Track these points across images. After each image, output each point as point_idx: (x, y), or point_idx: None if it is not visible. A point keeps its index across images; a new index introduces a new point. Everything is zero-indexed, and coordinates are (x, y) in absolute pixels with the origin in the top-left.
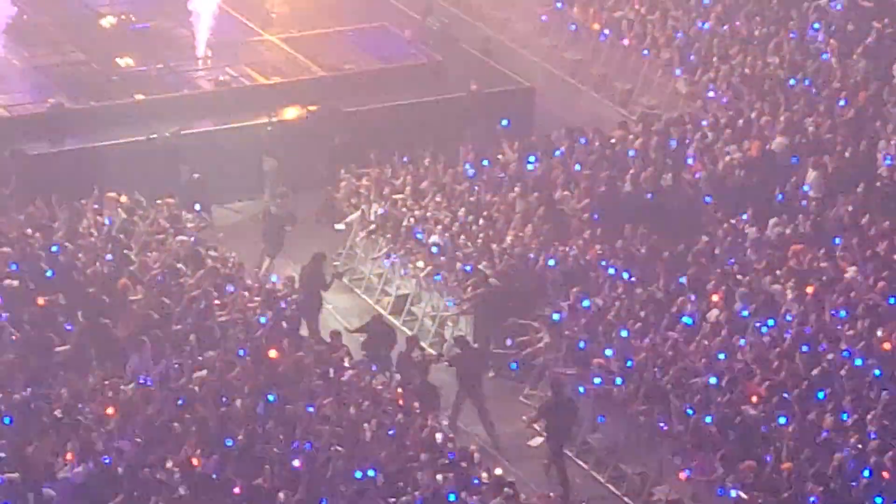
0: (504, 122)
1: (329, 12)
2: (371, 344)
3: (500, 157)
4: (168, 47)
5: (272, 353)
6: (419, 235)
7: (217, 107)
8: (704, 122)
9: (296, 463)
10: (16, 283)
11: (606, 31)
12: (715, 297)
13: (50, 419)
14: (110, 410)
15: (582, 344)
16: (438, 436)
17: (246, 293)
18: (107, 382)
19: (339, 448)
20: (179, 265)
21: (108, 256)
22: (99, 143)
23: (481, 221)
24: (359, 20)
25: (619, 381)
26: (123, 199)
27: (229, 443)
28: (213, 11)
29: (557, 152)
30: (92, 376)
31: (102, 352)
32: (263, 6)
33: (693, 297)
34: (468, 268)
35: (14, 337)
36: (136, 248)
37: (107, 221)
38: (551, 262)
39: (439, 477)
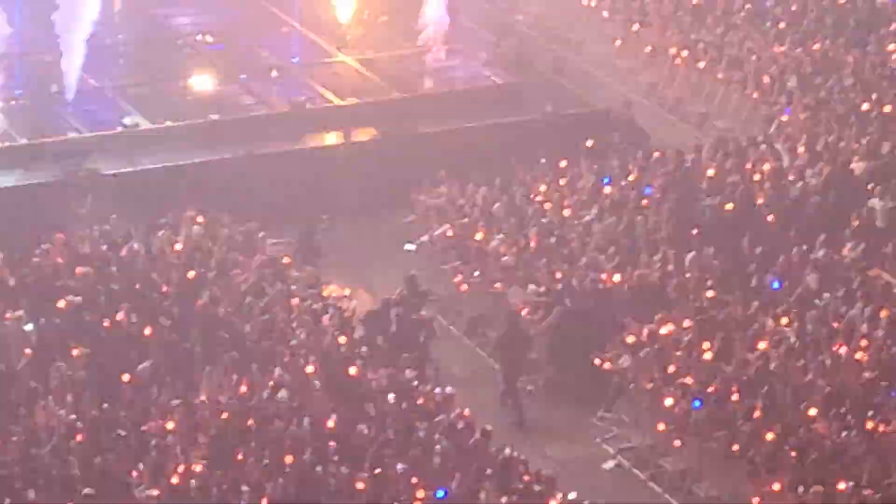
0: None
1: (404, 34)
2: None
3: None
4: (244, 68)
5: (352, 371)
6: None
7: (292, 127)
8: (779, 145)
9: (360, 486)
10: (78, 299)
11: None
12: (784, 320)
13: (124, 436)
14: (171, 425)
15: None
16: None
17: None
18: (179, 400)
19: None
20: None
21: (188, 274)
22: (175, 162)
23: (553, 241)
24: (434, 42)
25: (696, 403)
26: (200, 218)
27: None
28: (290, 32)
29: (631, 176)
30: (166, 394)
31: (178, 369)
32: (339, 28)
33: (770, 320)
34: (541, 289)
35: (87, 353)
36: (214, 267)
37: (184, 239)
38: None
39: (504, 500)
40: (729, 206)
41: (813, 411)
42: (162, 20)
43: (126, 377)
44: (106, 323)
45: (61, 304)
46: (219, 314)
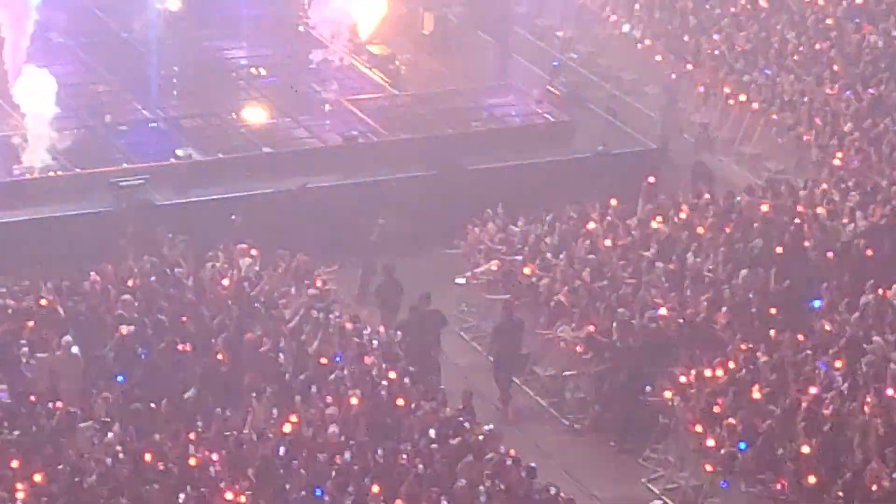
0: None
1: (457, 70)
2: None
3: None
4: (297, 101)
5: (400, 402)
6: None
7: (344, 161)
8: (831, 188)
9: None
10: (130, 327)
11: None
12: (839, 364)
13: (169, 467)
14: (216, 457)
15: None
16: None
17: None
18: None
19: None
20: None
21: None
22: (227, 194)
23: (605, 282)
24: (487, 78)
25: (742, 445)
26: (254, 251)
27: (318, 493)
28: (342, 66)
29: (683, 214)
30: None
31: (223, 401)
32: (392, 62)
33: (822, 364)
34: (591, 327)
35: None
36: (263, 300)
37: (234, 272)
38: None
39: None
40: (779, 248)
41: (865, 453)
42: (216, 53)
43: (171, 407)
44: (154, 352)
45: (116, 331)
46: (264, 347)
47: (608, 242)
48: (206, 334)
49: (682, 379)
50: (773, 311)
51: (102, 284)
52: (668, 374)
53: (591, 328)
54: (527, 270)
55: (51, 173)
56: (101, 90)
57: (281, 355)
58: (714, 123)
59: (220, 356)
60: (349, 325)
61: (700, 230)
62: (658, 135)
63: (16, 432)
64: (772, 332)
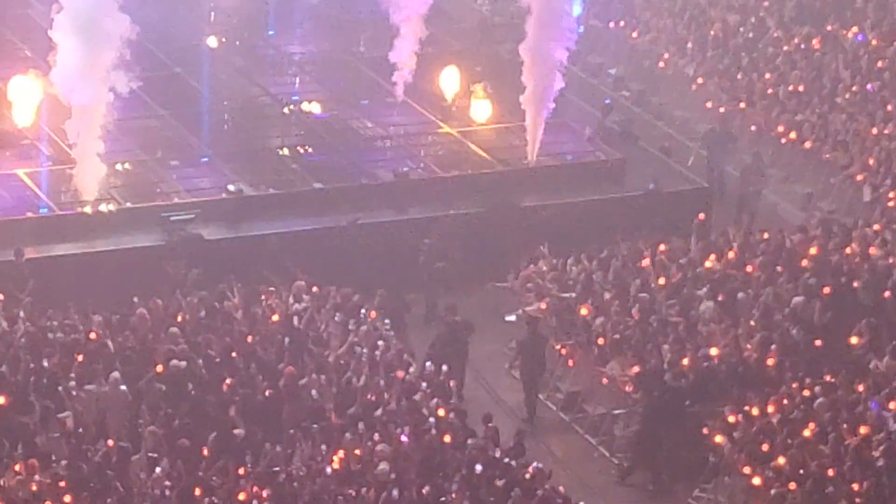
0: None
1: (508, 107)
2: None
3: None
4: (348, 137)
5: (447, 439)
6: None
7: (395, 198)
8: (883, 228)
9: None
10: (184, 363)
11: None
12: (893, 405)
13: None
14: (265, 493)
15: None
16: None
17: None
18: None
19: None
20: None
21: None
22: (278, 230)
23: (656, 317)
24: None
25: (792, 485)
26: (315, 289)
27: None
28: (392, 103)
29: (731, 252)
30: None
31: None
32: (443, 99)
33: (874, 405)
34: (640, 366)
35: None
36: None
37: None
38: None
39: None
40: (826, 288)
41: None
42: (268, 88)
43: (220, 443)
44: (203, 387)
45: (161, 367)
46: (304, 380)
47: (661, 281)
48: (255, 369)
49: (731, 419)
50: (817, 342)
51: (151, 319)
52: (718, 414)
53: (641, 367)
54: (584, 311)
55: (102, 207)
56: (154, 125)
57: (314, 391)
58: (766, 161)
59: (267, 391)
60: (398, 361)
61: (749, 269)
62: (710, 173)
63: (64, 463)
64: (826, 373)
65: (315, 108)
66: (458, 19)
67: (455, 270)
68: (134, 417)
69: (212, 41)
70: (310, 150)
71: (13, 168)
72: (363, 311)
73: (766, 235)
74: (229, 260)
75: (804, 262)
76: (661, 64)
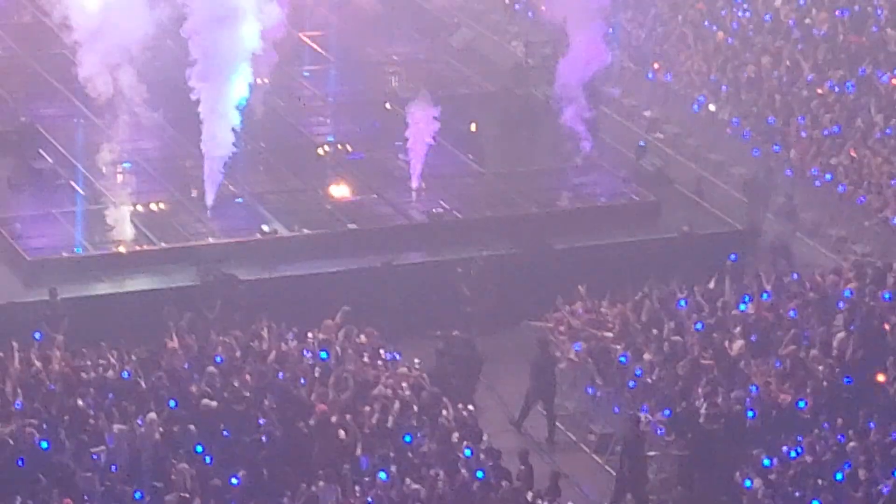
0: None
1: (543, 148)
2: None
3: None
4: (382, 178)
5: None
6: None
7: (429, 238)
8: None
9: None
10: (214, 403)
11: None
12: None
13: None
14: None
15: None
16: None
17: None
18: None
19: None
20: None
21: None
22: (311, 270)
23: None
24: (573, 157)
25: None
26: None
27: None
28: (428, 143)
29: (765, 295)
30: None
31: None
32: (477, 140)
33: None
34: (667, 412)
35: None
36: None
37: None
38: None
39: None
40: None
41: None
42: (302, 128)
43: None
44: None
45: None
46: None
47: (697, 326)
48: (286, 408)
49: (766, 462)
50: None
51: (185, 358)
52: (751, 458)
53: (674, 410)
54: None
55: (136, 247)
56: (188, 164)
57: (342, 431)
58: (800, 204)
59: (302, 429)
60: (431, 402)
61: (783, 311)
62: (745, 216)
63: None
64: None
65: (349, 148)
66: (492, 61)
67: (488, 311)
68: (165, 457)
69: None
70: (345, 189)
71: (49, 208)
72: (395, 352)
73: (799, 278)
74: (263, 300)
75: (838, 304)
76: (696, 106)
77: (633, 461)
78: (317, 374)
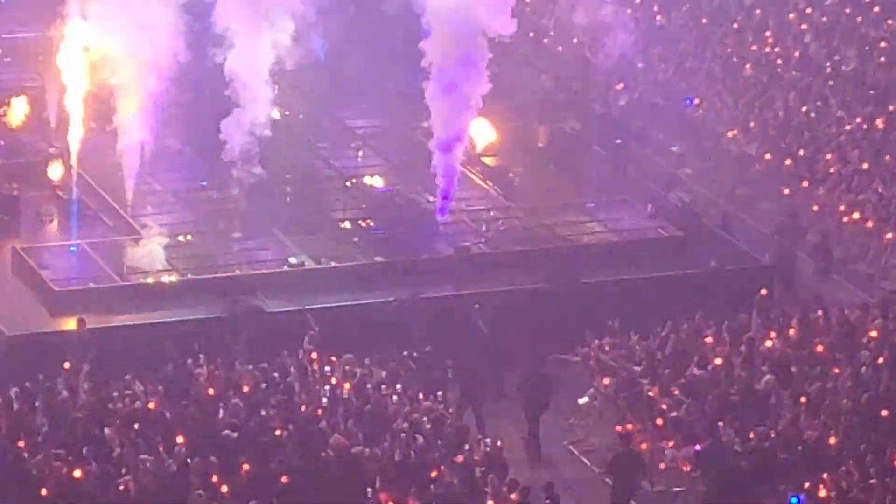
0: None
1: (570, 182)
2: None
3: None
4: (409, 211)
5: None
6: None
7: (456, 273)
8: None
9: None
10: (235, 434)
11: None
12: None
13: None
14: None
15: None
16: None
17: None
18: None
19: None
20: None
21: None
22: (337, 303)
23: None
24: (600, 192)
25: None
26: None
27: None
28: (456, 177)
29: (791, 330)
30: None
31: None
32: (506, 174)
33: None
34: (694, 447)
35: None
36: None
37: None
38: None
39: None
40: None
41: None
42: (331, 161)
43: None
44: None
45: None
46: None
47: (718, 361)
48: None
49: (794, 500)
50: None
51: (212, 389)
52: (778, 494)
53: (701, 446)
54: (651, 393)
55: (164, 279)
56: (216, 197)
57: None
58: (830, 241)
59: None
60: (456, 437)
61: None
62: (773, 251)
63: None
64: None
65: (377, 181)
66: (520, 94)
67: (507, 348)
68: (184, 487)
69: (275, 113)
70: (371, 223)
71: (76, 239)
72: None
73: (825, 314)
74: (290, 332)
75: (864, 340)
76: (724, 142)
77: (622, 477)
78: (337, 407)
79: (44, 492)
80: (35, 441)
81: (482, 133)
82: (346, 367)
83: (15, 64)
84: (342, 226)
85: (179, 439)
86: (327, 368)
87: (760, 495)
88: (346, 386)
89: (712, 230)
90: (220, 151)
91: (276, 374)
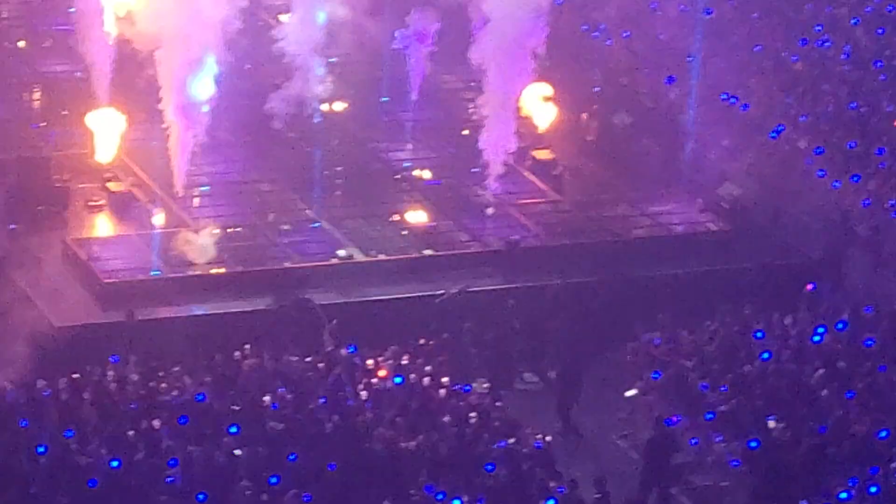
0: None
1: (618, 175)
2: None
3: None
4: (458, 203)
5: None
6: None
7: (506, 266)
8: None
9: None
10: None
11: None
12: None
13: None
14: None
15: None
16: None
17: None
18: None
19: None
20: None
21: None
22: (386, 296)
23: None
24: (650, 185)
25: None
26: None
27: None
28: (503, 170)
29: (840, 325)
30: None
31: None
32: (555, 167)
33: None
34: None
35: None
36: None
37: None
38: None
39: None
40: None
41: None
42: (380, 153)
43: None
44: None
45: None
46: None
47: (766, 356)
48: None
49: (843, 495)
50: None
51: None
52: (826, 489)
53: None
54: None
55: (212, 270)
56: (266, 189)
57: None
58: (881, 235)
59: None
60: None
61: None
62: (824, 246)
63: None
64: None
65: (426, 174)
66: (570, 88)
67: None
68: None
69: (324, 106)
70: (421, 214)
71: (126, 230)
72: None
73: (875, 308)
74: (339, 325)
75: None
76: (773, 135)
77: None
78: (386, 399)
79: (92, 484)
80: (84, 433)
81: (532, 125)
82: (393, 360)
83: (62, 53)
84: (392, 219)
85: (230, 429)
86: (374, 361)
87: (809, 491)
88: (396, 379)
89: (762, 225)
90: (270, 142)
91: (322, 366)
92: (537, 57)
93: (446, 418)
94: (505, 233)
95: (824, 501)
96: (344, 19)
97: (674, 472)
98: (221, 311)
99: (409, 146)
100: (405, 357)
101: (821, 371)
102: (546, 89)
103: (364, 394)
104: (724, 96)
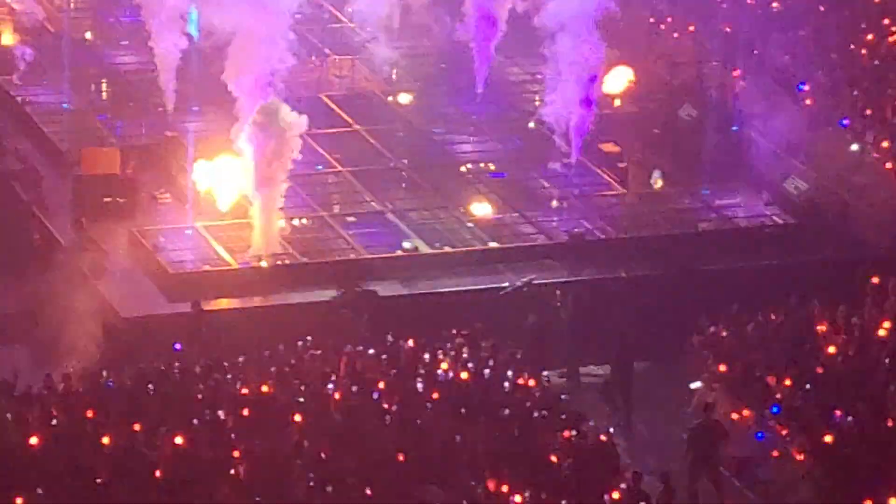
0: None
1: (680, 168)
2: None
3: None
4: (524, 196)
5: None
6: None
7: (570, 258)
8: None
9: None
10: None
11: None
12: None
13: None
14: None
15: None
16: None
17: None
18: None
19: None
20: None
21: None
22: (452, 287)
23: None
24: (716, 179)
25: None
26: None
27: None
28: (566, 164)
29: None
30: None
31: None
32: (621, 160)
33: None
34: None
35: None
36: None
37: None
38: None
39: None
40: None
41: None
42: (446, 146)
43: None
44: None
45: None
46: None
47: (832, 349)
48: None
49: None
50: None
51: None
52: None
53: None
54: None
55: (278, 262)
56: (331, 181)
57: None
58: None
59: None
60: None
61: None
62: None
63: None
64: None
65: (492, 166)
66: (636, 81)
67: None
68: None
69: (403, 97)
70: (486, 207)
71: (192, 222)
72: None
73: None
74: (403, 317)
75: None
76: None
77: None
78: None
79: (158, 474)
80: (149, 424)
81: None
82: (456, 352)
83: (133, 47)
84: (457, 209)
85: (295, 419)
86: (437, 353)
87: (875, 485)
88: (463, 374)
89: (827, 218)
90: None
91: (386, 358)
92: (603, 50)
93: (508, 411)
94: (570, 225)
95: (890, 498)
96: (409, 10)
97: (737, 464)
98: (286, 303)
99: (475, 138)
100: (468, 349)
101: (885, 364)
102: (612, 82)
103: (427, 385)
104: (792, 89)
